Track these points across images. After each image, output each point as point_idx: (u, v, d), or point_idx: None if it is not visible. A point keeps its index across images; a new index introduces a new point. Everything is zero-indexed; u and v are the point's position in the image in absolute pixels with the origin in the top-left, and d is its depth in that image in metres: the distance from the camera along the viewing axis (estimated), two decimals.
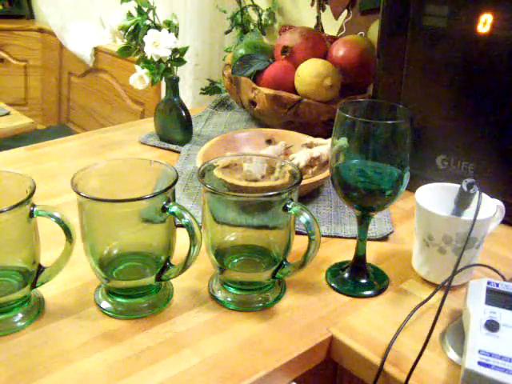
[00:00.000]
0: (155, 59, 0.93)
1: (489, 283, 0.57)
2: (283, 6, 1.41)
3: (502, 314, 0.53)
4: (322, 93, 0.98)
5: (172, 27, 0.95)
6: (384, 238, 0.75)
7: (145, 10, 0.94)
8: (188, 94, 1.54)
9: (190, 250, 0.56)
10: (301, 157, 0.83)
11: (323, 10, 1.25)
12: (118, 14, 0.93)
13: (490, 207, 0.63)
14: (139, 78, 0.96)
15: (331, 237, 0.75)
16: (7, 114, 2.01)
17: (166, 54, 0.92)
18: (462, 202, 0.62)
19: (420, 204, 0.63)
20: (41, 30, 2.50)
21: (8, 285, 0.58)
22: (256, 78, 1.04)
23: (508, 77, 0.73)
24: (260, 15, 1.40)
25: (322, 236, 0.73)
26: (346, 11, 1.22)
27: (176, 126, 1.02)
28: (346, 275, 0.66)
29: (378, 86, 0.86)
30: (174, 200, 0.58)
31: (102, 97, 2.26)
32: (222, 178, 0.65)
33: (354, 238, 0.66)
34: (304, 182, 0.71)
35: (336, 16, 1.23)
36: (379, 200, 0.61)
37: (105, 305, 0.61)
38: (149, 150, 1.02)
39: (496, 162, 0.77)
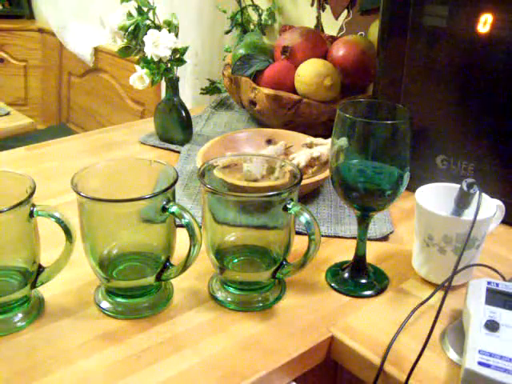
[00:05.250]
0: (155, 59, 0.93)
1: (489, 283, 0.57)
2: (283, 6, 1.41)
3: (501, 314, 0.53)
4: (322, 93, 0.98)
5: (172, 27, 0.95)
6: (384, 238, 0.75)
7: (145, 9, 0.94)
8: (188, 94, 1.54)
9: (189, 250, 0.56)
10: (301, 157, 0.83)
11: (323, 10, 1.25)
12: (118, 13, 0.93)
13: (489, 207, 0.63)
14: (139, 78, 0.96)
15: (331, 237, 0.75)
16: (7, 114, 2.01)
17: (166, 53, 0.92)
18: (462, 202, 0.62)
19: (420, 204, 0.63)
20: (41, 30, 2.50)
21: (8, 285, 0.58)
22: (256, 77, 1.04)
23: (508, 76, 0.73)
24: (260, 15, 1.40)
25: (322, 236, 0.73)
26: (346, 11, 1.22)
27: (176, 126, 1.02)
28: (346, 275, 0.66)
29: (377, 85, 0.86)
30: (174, 200, 0.58)
31: (102, 97, 2.26)
32: (222, 178, 0.65)
33: (354, 238, 0.66)
34: (304, 181, 0.71)
35: (336, 16, 1.23)
36: (379, 200, 0.61)
37: (105, 305, 0.61)
38: (149, 150, 1.02)
39: (496, 161, 0.77)
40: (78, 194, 0.55)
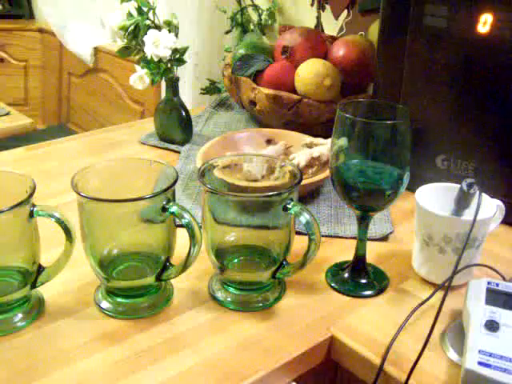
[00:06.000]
0: (155, 59, 0.93)
1: (489, 283, 0.57)
2: (283, 6, 1.41)
3: (501, 314, 0.53)
4: (322, 93, 0.98)
5: (172, 27, 0.95)
6: (384, 238, 0.75)
7: (145, 10, 0.94)
8: (188, 94, 1.54)
9: (189, 250, 0.56)
10: (301, 157, 0.83)
11: (323, 10, 1.25)
12: (118, 13, 0.93)
13: (489, 207, 0.63)
14: (139, 78, 0.96)
15: (331, 237, 0.75)
16: (7, 114, 2.01)
17: (165, 53, 0.92)
18: (462, 202, 0.62)
19: (420, 204, 0.63)
20: (41, 30, 2.50)
21: (8, 285, 0.58)
22: (256, 78, 1.04)
23: (508, 76, 0.73)
24: (260, 15, 1.40)
25: (322, 236, 0.73)
26: (346, 11, 1.22)
27: (176, 125, 1.02)
28: (346, 275, 0.66)
29: (377, 85, 0.86)
30: (174, 200, 0.58)
31: (102, 97, 2.26)
32: (222, 178, 0.65)
33: (354, 238, 0.66)
34: (304, 182, 0.71)
35: (336, 16, 1.23)
36: (379, 200, 0.61)
37: (105, 305, 0.61)
38: (149, 150, 1.02)
39: (496, 161, 0.77)
40: (78, 194, 0.55)
